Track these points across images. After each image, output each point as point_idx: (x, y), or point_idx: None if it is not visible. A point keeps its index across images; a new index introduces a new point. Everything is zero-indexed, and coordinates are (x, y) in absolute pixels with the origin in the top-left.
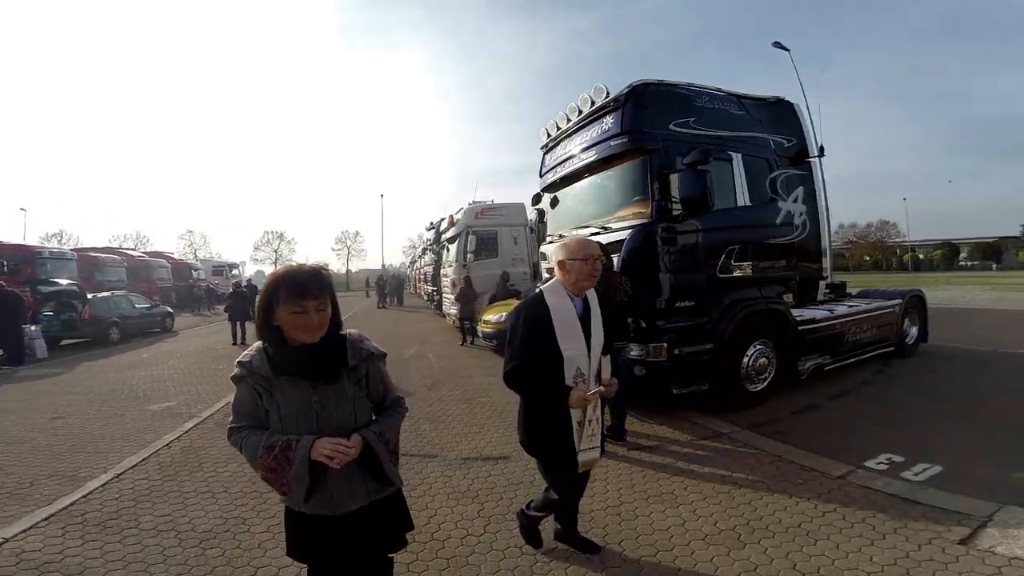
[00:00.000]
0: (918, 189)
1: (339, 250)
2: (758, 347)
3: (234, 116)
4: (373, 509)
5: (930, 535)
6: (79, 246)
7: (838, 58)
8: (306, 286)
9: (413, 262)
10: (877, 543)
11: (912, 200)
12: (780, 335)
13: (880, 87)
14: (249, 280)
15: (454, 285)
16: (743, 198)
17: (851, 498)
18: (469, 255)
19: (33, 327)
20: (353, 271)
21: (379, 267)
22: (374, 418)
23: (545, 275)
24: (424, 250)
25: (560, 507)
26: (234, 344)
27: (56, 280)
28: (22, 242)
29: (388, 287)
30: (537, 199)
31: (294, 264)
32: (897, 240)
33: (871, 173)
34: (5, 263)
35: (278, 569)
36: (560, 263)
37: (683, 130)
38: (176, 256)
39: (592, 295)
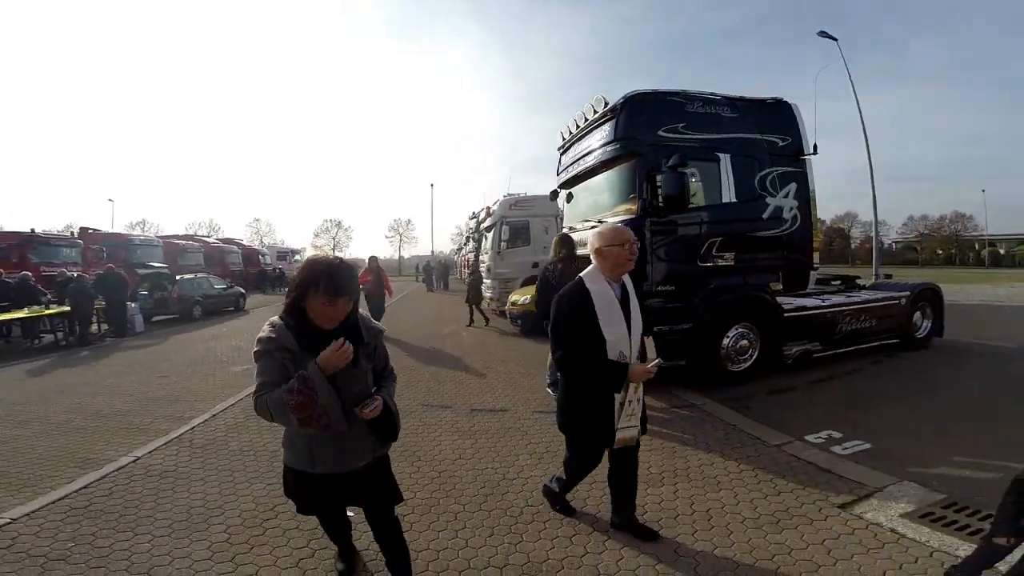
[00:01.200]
0: (1005, 180)
1: (392, 237)
2: (739, 330)
3: (294, 110)
4: (375, 464)
5: (817, 497)
6: (160, 233)
7: (917, 45)
8: (344, 286)
9: (459, 249)
10: (770, 497)
11: (996, 192)
12: (763, 320)
13: (966, 72)
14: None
15: (488, 271)
16: (729, 195)
17: (774, 462)
18: (503, 243)
19: (132, 304)
20: (406, 257)
21: (429, 254)
22: (381, 384)
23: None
24: (467, 238)
25: (578, 472)
26: None
27: (151, 264)
28: (118, 231)
29: (435, 272)
30: (554, 195)
31: (332, 259)
32: (974, 234)
33: (957, 161)
34: (104, 249)
35: None
36: (597, 250)
37: (671, 135)
38: (245, 242)
39: (628, 279)
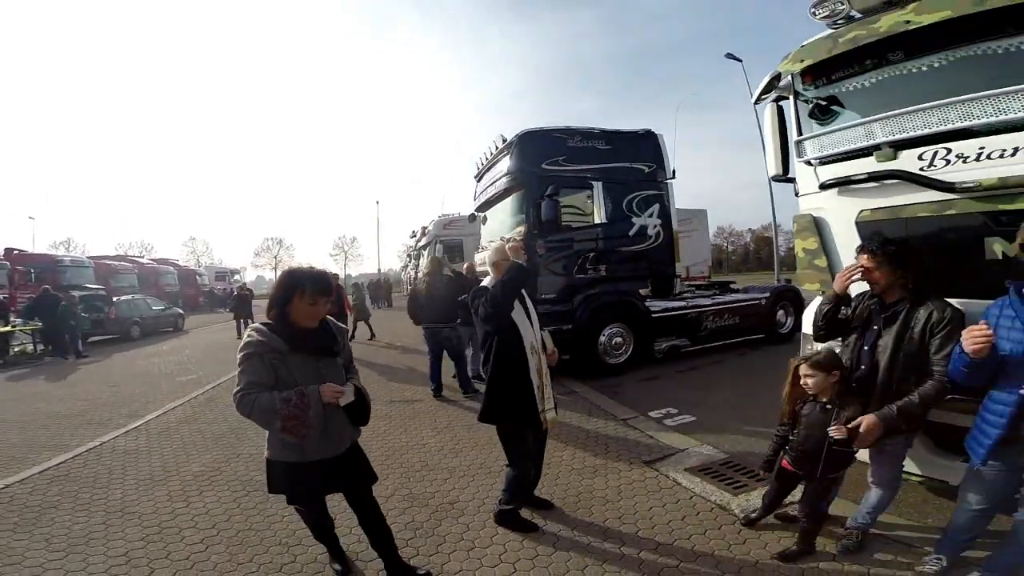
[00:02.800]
0: None
1: (336, 255)
2: (614, 329)
3: (231, 124)
4: (352, 448)
5: (632, 455)
6: (88, 254)
7: None
8: (326, 287)
9: (405, 267)
10: (598, 455)
11: None
12: (634, 321)
13: None
14: (244, 284)
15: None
16: (601, 216)
17: (615, 430)
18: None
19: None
20: (354, 275)
21: (376, 272)
22: (349, 376)
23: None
24: (409, 256)
25: (520, 481)
26: (239, 339)
27: (86, 285)
28: (45, 251)
29: (367, 292)
30: (472, 218)
31: (311, 267)
32: None
33: None
34: (32, 271)
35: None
36: (494, 263)
37: (553, 168)
38: (181, 263)
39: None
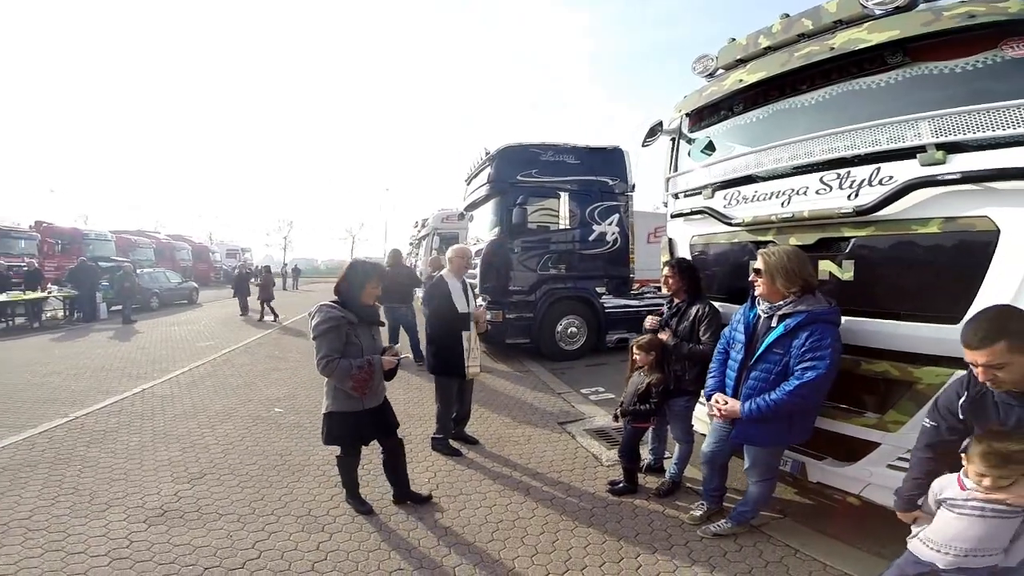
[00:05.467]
0: None
1: (344, 239)
2: (569, 320)
3: (245, 105)
4: (385, 399)
5: (550, 419)
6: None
7: None
8: (382, 276)
9: (409, 254)
10: (526, 416)
11: None
12: (589, 314)
13: None
14: (251, 264)
15: (421, 275)
16: (564, 223)
17: (547, 400)
18: (435, 252)
19: (97, 293)
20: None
21: (383, 257)
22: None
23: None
24: (411, 245)
25: (442, 416)
26: (242, 315)
27: (112, 257)
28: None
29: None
30: (461, 217)
31: (367, 260)
32: None
33: None
34: (59, 242)
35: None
36: (450, 259)
37: (526, 179)
38: (195, 239)
39: (466, 278)
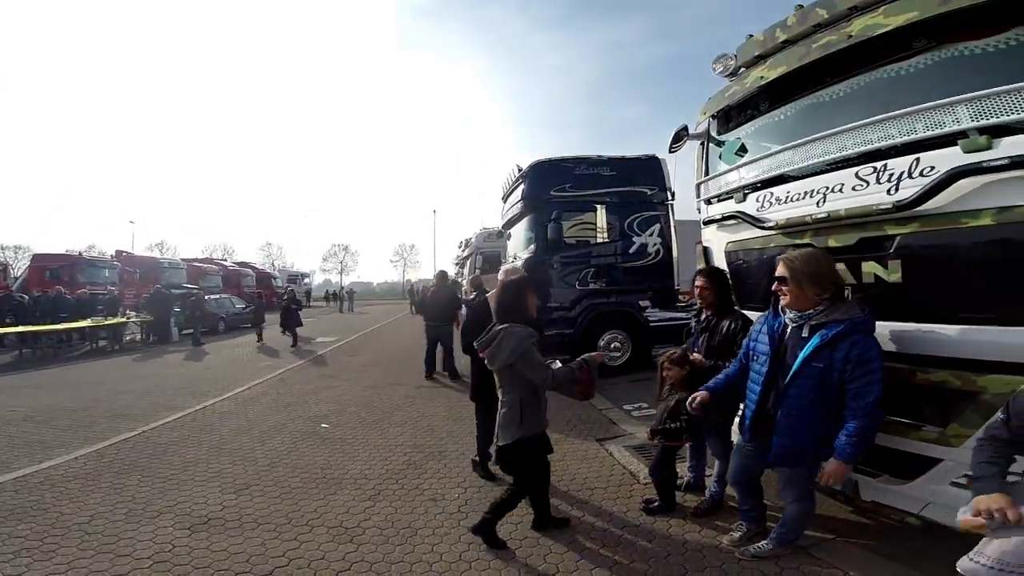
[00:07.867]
0: None
1: (396, 262)
2: (613, 334)
3: (307, 137)
4: None
5: (590, 434)
6: (179, 256)
7: None
8: (528, 284)
9: (456, 274)
10: (569, 433)
11: None
12: (632, 328)
13: None
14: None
15: (465, 295)
16: (603, 236)
17: (589, 416)
18: (478, 271)
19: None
20: (413, 280)
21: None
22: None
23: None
24: (456, 265)
25: (485, 441)
26: (292, 348)
27: (184, 285)
28: (150, 255)
29: (419, 295)
30: (499, 235)
31: (421, 280)
32: None
33: None
34: (137, 271)
35: (324, 408)
36: (499, 280)
37: (560, 194)
38: (258, 266)
39: None
